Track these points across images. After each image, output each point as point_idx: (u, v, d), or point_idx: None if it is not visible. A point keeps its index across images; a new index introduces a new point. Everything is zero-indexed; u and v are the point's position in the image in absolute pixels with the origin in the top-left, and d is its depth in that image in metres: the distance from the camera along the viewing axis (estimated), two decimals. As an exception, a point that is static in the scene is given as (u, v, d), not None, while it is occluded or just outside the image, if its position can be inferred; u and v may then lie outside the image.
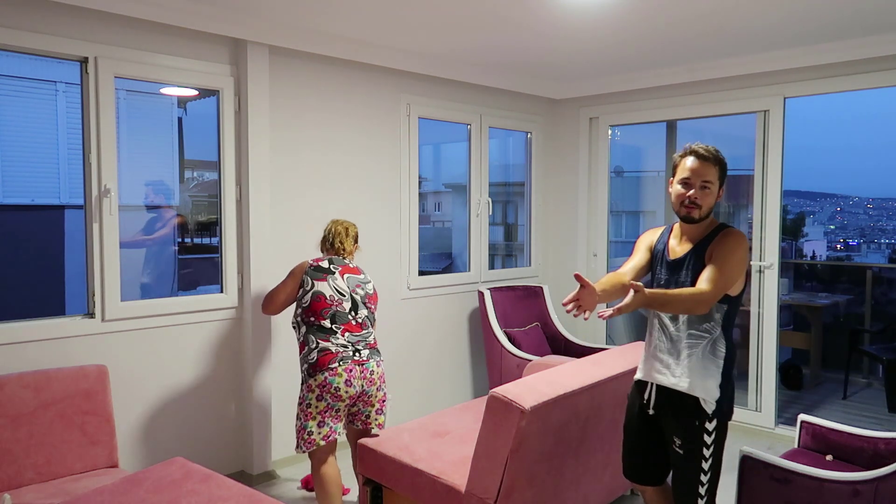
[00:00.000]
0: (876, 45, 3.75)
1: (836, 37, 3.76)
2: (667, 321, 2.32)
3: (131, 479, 2.24)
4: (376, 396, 2.98)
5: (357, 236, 3.22)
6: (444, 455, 2.73)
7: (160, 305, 3.35)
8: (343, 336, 2.91)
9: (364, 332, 2.99)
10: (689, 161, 2.23)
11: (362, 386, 2.91)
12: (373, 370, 2.95)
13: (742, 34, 3.71)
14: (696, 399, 2.22)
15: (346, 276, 3.02)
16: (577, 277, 2.02)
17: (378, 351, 3.03)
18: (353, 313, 2.97)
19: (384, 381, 3.03)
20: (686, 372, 2.25)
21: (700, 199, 2.20)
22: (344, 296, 2.96)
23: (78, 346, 3.06)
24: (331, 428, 2.88)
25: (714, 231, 2.26)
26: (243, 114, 3.54)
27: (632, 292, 2.00)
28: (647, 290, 2.02)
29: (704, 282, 2.12)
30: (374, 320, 3.10)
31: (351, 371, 2.87)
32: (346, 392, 2.86)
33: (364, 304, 3.02)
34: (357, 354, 2.91)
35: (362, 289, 3.04)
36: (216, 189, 3.58)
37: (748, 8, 3.23)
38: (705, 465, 2.22)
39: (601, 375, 2.72)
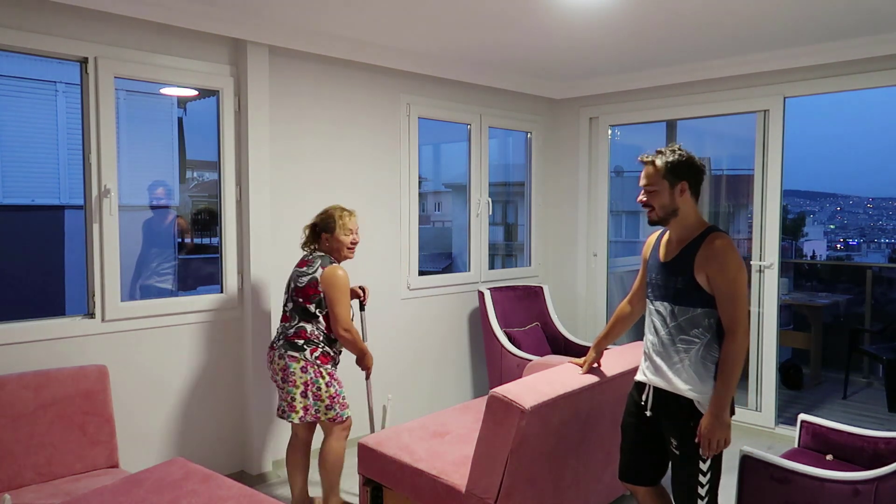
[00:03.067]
0: (876, 45, 3.75)
1: (836, 37, 3.76)
2: (658, 325, 2.34)
3: (131, 479, 2.24)
4: (284, 389, 2.99)
5: (316, 225, 3.10)
6: (444, 455, 2.73)
7: (160, 305, 3.35)
8: (280, 324, 3.09)
9: (286, 323, 3.03)
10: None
11: (272, 374, 3.07)
12: (275, 361, 3.01)
13: (742, 34, 3.71)
14: (691, 400, 2.23)
15: (294, 268, 3.11)
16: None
17: (294, 345, 2.95)
18: (284, 304, 3.09)
19: (289, 378, 2.94)
20: (678, 375, 2.26)
21: (651, 201, 2.30)
22: (286, 287, 3.12)
23: (78, 346, 3.06)
24: (278, 402, 3.08)
25: (700, 236, 2.27)
26: (243, 114, 3.54)
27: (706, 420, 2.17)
28: (713, 401, 2.17)
29: (728, 326, 2.18)
30: (302, 313, 2.98)
31: (269, 355, 3.09)
32: (270, 373, 3.10)
33: (291, 296, 3.04)
34: (275, 343, 3.06)
35: (294, 281, 3.05)
36: (216, 189, 3.58)
37: (748, 8, 3.23)
38: (703, 466, 2.22)
39: (601, 375, 2.72)
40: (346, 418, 3.04)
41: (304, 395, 2.96)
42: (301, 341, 2.97)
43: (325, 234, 3.08)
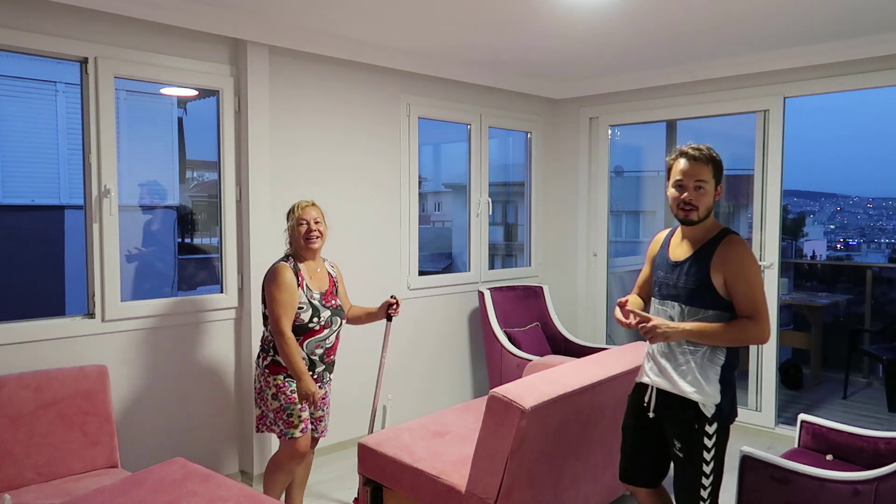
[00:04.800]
0: (876, 45, 3.75)
1: (836, 37, 3.76)
2: None
3: (131, 479, 2.24)
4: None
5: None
6: (444, 455, 2.73)
7: (160, 305, 3.35)
8: None
9: None
10: (681, 163, 2.22)
11: None
12: None
13: (742, 34, 3.71)
14: (696, 403, 2.21)
15: None
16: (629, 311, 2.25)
17: (259, 351, 2.91)
18: None
19: (255, 385, 2.89)
20: (683, 377, 2.24)
21: (696, 201, 2.19)
22: None
23: (78, 346, 3.06)
24: None
25: (716, 237, 2.23)
26: (243, 114, 3.54)
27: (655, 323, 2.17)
28: (684, 326, 2.17)
29: (749, 317, 2.14)
30: (263, 317, 2.89)
31: None
32: None
33: None
34: None
35: None
36: (216, 189, 3.58)
37: (748, 8, 3.23)
38: (706, 468, 2.21)
39: (601, 375, 2.72)
40: (291, 438, 2.78)
41: (257, 403, 2.87)
42: (260, 347, 2.89)
43: (288, 233, 2.93)
